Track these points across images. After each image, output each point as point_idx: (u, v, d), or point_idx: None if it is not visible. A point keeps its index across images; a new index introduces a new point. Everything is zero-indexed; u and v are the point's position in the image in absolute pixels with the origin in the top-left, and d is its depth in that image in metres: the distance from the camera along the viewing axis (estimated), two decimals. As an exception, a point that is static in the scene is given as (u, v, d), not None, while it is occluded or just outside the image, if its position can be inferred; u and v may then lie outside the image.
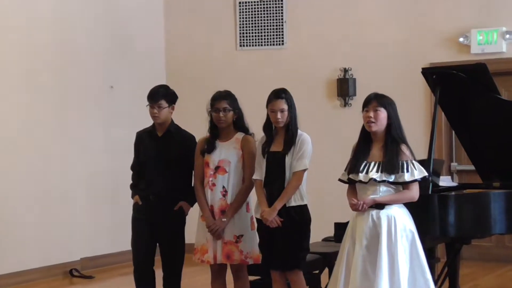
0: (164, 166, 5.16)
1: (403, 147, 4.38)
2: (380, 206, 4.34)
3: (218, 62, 8.74)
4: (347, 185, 4.53)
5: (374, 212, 4.33)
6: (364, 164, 4.39)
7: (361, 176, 4.37)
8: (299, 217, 4.77)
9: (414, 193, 4.37)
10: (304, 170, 4.79)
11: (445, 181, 5.54)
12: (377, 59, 8.18)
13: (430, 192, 4.79)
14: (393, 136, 4.39)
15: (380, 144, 4.43)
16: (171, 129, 5.26)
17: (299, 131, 4.85)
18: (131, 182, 5.40)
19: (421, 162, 4.51)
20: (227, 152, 5.00)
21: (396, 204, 4.36)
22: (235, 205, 4.96)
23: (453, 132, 6.90)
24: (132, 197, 5.35)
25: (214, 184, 4.98)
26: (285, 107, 4.81)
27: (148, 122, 5.35)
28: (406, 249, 4.28)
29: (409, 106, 8.02)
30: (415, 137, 7.79)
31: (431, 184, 4.81)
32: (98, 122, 8.08)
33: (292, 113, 4.84)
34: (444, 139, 7.99)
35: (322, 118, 8.26)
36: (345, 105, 8.26)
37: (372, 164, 4.38)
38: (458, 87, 5.19)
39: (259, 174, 4.88)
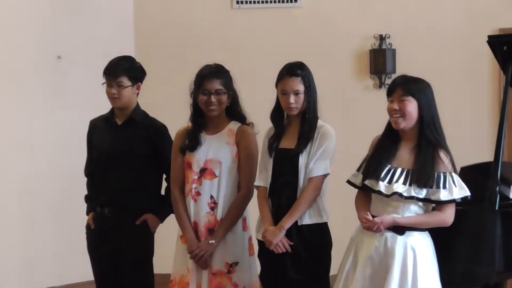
0: (123, 166, 5.20)
1: (442, 153, 4.42)
2: (400, 230, 4.39)
3: (207, 26, 8.73)
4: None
5: (389, 235, 4.41)
6: (387, 169, 4.45)
7: (382, 186, 4.43)
8: (315, 240, 4.80)
9: (447, 216, 4.42)
10: (325, 175, 4.82)
11: (518, 192, 5.57)
12: (426, 23, 8.18)
13: (496, 208, 4.80)
14: (427, 137, 4.44)
15: (410, 145, 4.49)
16: (135, 116, 5.31)
17: (319, 122, 4.88)
18: (86, 192, 5.45)
19: (487, 166, 4.51)
20: (217, 149, 5.02)
21: (419, 231, 4.41)
22: (228, 221, 4.97)
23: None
24: (87, 213, 5.40)
25: (198, 193, 5.00)
26: (301, 88, 4.83)
27: (109, 106, 5.39)
28: None
29: (469, 89, 8.04)
30: (478, 132, 7.88)
31: (498, 196, 4.82)
32: (40, 104, 8.07)
33: (311, 96, 4.85)
34: (518, 135, 8.02)
35: (349, 104, 8.27)
36: (380, 86, 8.27)
37: (399, 171, 4.44)
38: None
39: (263, 179, 4.91)
